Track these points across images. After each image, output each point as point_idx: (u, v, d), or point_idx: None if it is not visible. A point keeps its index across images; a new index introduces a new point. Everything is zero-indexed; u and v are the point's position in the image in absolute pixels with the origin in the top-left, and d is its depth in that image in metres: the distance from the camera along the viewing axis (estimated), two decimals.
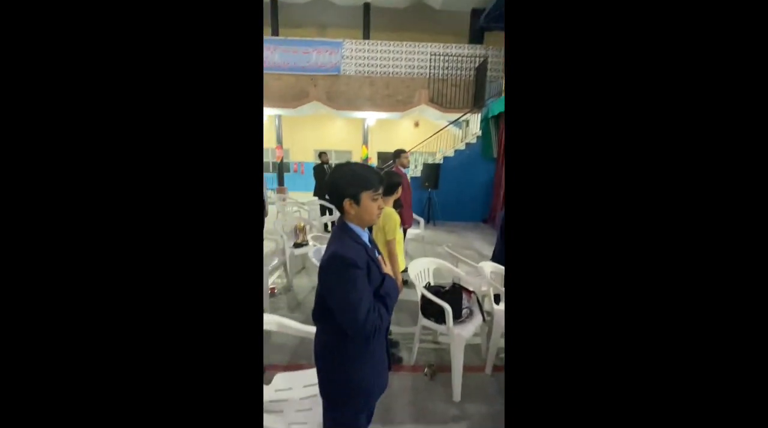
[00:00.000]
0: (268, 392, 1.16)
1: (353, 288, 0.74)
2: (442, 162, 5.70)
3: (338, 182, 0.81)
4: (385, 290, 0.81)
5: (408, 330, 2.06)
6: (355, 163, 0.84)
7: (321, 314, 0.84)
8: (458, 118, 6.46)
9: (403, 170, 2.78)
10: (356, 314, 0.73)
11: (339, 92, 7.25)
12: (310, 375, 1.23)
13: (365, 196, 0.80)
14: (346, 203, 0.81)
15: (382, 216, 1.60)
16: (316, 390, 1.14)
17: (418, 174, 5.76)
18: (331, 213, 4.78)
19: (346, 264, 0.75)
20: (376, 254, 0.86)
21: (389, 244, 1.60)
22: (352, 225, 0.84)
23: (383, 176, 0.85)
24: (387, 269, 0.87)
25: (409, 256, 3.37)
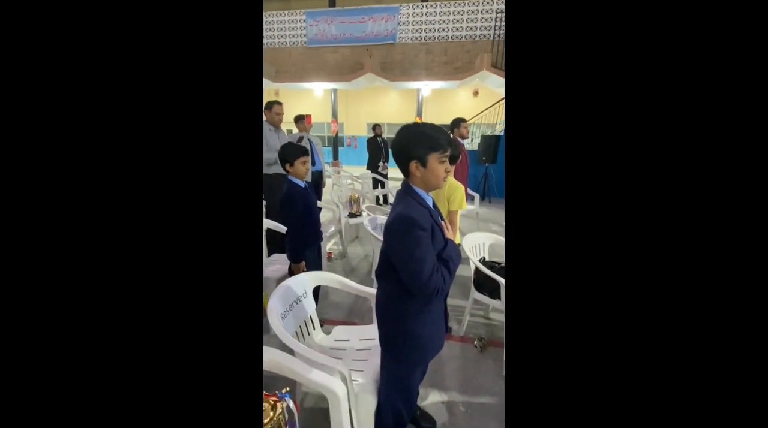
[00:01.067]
0: (329, 341, 1.29)
1: (417, 248, 0.75)
2: (502, 134, 5.26)
3: (405, 143, 0.80)
4: (447, 254, 0.81)
5: (459, 303, 2.06)
6: (423, 124, 0.81)
7: (384, 272, 0.87)
8: None
9: (461, 141, 2.64)
10: (420, 273, 0.74)
11: (394, 62, 7.01)
12: (366, 330, 1.32)
13: (432, 158, 0.79)
14: (413, 165, 0.80)
15: (449, 186, 1.57)
16: (371, 343, 1.23)
17: (475, 147, 5.43)
18: (383, 186, 4.85)
19: (411, 224, 0.76)
20: (440, 219, 0.86)
21: (452, 215, 1.57)
22: (417, 189, 0.84)
23: (451, 139, 0.81)
24: (450, 234, 0.86)
25: (462, 233, 3.28)
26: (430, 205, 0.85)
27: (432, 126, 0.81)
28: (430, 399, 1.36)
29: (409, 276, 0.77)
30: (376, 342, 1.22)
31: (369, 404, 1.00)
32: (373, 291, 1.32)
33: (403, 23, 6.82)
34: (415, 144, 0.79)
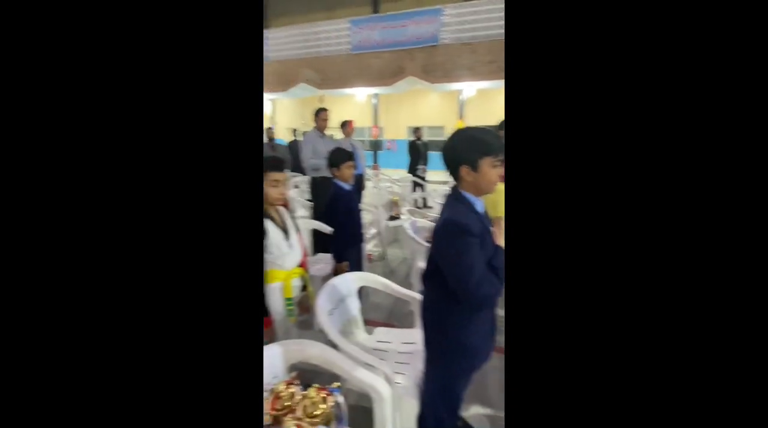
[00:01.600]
0: (371, 341, 1.31)
1: (466, 254, 0.74)
2: None
3: (456, 147, 0.80)
4: (498, 261, 0.79)
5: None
6: (475, 128, 0.80)
7: (431, 276, 0.87)
8: None
9: None
10: (468, 280, 0.73)
11: (436, 64, 6.95)
12: (408, 333, 1.33)
13: (485, 163, 0.77)
14: (463, 170, 0.79)
15: (500, 191, 1.51)
16: (413, 347, 1.23)
17: None
18: (422, 189, 4.82)
19: (460, 230, 0.75)
20: (490, 225, 0.83)
21: (497, 221, 1.52)
22: (467, 194, 0.83)
23: (503, 142, 0.79)
24: (500, 241, 0.83)
25: None
26: (481, 210, 0.84)
27: (484, 130, 0.79)
28: (473, 410, 1.32)
29: (457, 283, 0.76)
30: (419, 346, 1.22)
31: (411, 408, 1.00)
32: (416, 294, 1.32)
33: (446, 24, 6.73)
34: (466, 148, 0.78)
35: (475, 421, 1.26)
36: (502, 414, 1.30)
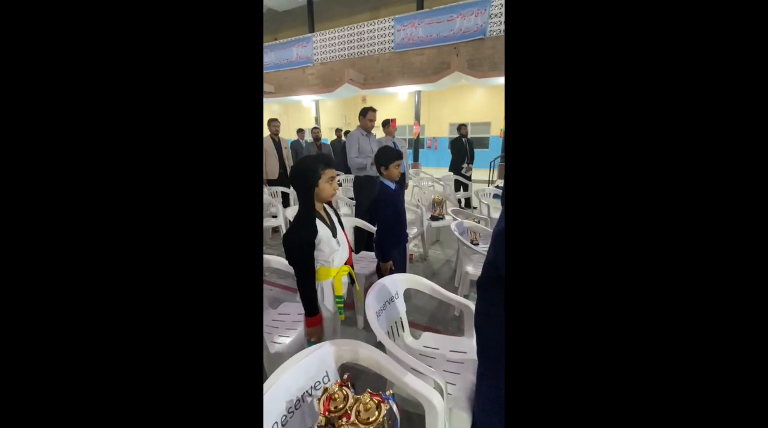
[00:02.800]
0: (418, 345, 1.27)
1: None
2: None
3: None
4: None
5: None
6: None
7: (489, 285, 0.81)
8: None
9: None
10: None
11: (483, 58, 6.65)
12: (457, 341, 1.26)
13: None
14: None
15: None
16: (463, 356, 1.17)
17: None
18: (466, 189, 4.63)
19: None
20: None
21: None
22: None
23: None
24: None
25: None
26: None
27: None
28: None
29: None
30: (469, 355, 1.16)
31: (463, 421, 0.94)
32: (465, 301, 1.25)
33: (495, 15, 6.40)
34: None
35: None
36: None
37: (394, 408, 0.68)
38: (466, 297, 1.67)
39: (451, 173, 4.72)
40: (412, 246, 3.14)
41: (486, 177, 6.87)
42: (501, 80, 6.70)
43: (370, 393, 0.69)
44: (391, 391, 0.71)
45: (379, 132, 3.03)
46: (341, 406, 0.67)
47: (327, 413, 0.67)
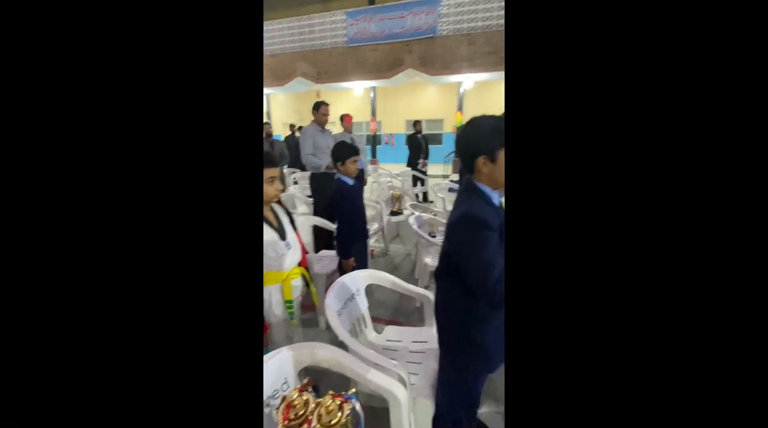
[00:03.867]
0: (381, 340, 1.28)
1: (485, 249, 0.70)
2: None
3: (473, 137, 0.75)
4: None
5: None
6: (492, 116, 0.75)
7: (445, 273, 0.83)
8: None
9: None
10: (487, 276, 0.69)
11: (434, 56, 6.85)
12: (419, 332, 1.29)
13: (503, 153, 0.72)
14: (480, 161, 0.75)
15: None
16: (424, 346, 1.20)
17: None
18: (422, 183, 4.77)
19: (477, 224, 0.71)
20: None
21: None
22: (482, 186, 0.78)
23: None
24: None
25: None
26: (497, 203, 0.79)
27: (502, 118, 0.74)
28: (486, 408, 1.29)
29: (475, 280, 0.72)
30: (430, 344, 1.19)
31: (426, 409, 0.97)
32: (425, 292, 1.28)
33: (444, 15, 6.62)
34: (483, 138, 0.73)
35: (489, 419, 1.23)
36: None
37: (357, 406, 0.67)
38: (426, 288, 1.72)
39: (409, 169, 4.81)
40: (373, 242, 3.14)
41: (441, 172, 7.13)
42: (453, 78, 6.98)
43: (332, 394, 0.67)
44: (354, 390, 0.70)
45: (336, 127, 2.96)
46: (302, 413, 0.64)
47: (286, 422, 0.64)
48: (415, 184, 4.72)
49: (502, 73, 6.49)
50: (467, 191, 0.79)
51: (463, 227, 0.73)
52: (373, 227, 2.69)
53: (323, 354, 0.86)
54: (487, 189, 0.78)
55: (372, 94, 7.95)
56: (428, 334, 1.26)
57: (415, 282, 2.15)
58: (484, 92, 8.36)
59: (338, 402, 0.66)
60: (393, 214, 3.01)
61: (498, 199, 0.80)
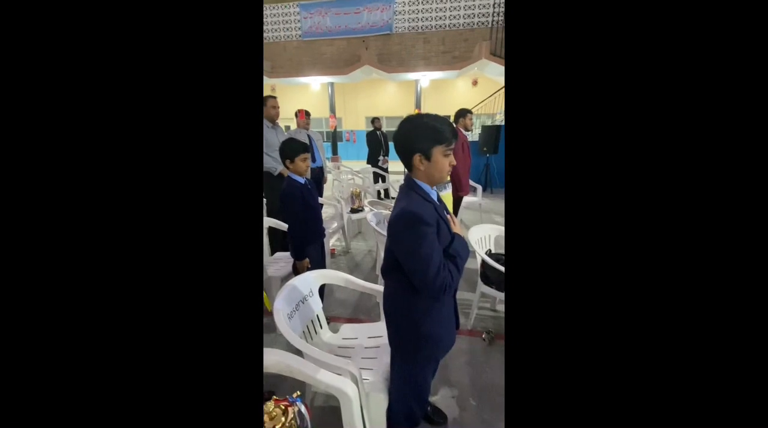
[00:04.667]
0: (337, 339, 1.27)
1: (423, 244, 0.72)
2: (502, 124, 5.19)
3: (408, 135, 0.77)
4: (455, 249, 0.79)
5: (466, 297, 2.04)
6: (427, 115, 0.78)
7: (390, 269, 0.85)
8: None
9: (464, 133, 2.59)
10: (426, 270, 0.72)
11: (391, 53, 6.89)
12: (374, 327, 1.31)
13: (437, 151, 0.75)
14: (416, 158, 0.77)
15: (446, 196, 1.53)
16: (379, 341, 1.22)
17: (476, 138, 5.37)
18: (384, 180, 4.81)
19: (415, 220, 0.73)
20: (446, 213, 0.83)
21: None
22: (420, 183, 0.81)
23: (455, 130, 0.78)
24: (457, 229, 0.83)
25: (465, 225, 3.27)
26: (435, 199, 0.82)
27: (436, 117, 0.77)
28: (441, 394, 1.35)
29: (416, 274, 0.75)
30: (385, 340, 1.21)
31: (380, 403, 0.99)
32: (380, 288, 1.30)
33: (399, 12, 6.68)
34: (418, 136, 0.76)
35: (443, 404, 1.29)
36: (469, 396, 1.35)
37: (302, 409, 0.66)
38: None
39: (369, 166, 4.81)
40: (335, 241, 3.11)
41: (402, 168, 7.24)
42: (410, 76, 7.09)
43: (275, 399, 0.66)
44: (298, 392, 0.69)
45: (293, 123, 2.84)
46: None
47: None
48: (376, 181, 4.74)
49: (456, 72, 6.75)
50: (406, 188, 0.82)
51: (402, 224, 0.75)
52: (332, 226, 2.66)
53: (271, 360, 0.84)
54: (425, 185, 0.81)
55: (330, 90, 7.79)
56: (383, 329, 1.28)
57: (375, 279, 2.17)
58: (439, 90, 8.62)
59: (283, 407, 0.65)
60: (353, 211, 2.99)
61: (435, 194, 0.83)
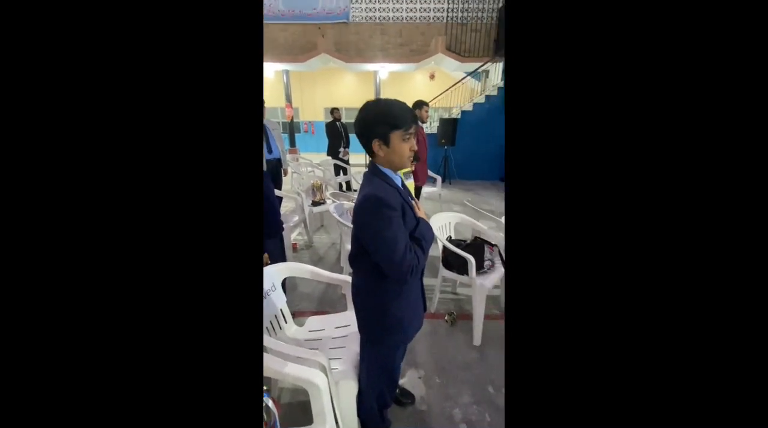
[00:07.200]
0: (303, 332, 1.24)
1: (388, 228, 0.73)
2: (459, 117, 5.40)
3: (366, 121, 0.76)
4: (420, 232, 0.81)
5: (428, 282, 2.12)
6: (385, 100, 0.78)
7: (357, 257, 0.85)
8: (478, 68, 5.98)
9: (420, 124, 2.65)
10: (393, 253, 0.73)
11: (348, 42, 6.74)
12: (340, 317, 1.30)
13: (395, 136, 0.76)
14: (375, 144, 0.77)
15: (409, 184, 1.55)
16: (347, 330, 1.21)
17: (434, 130, 5.52)
18: (345, 172, 4.74)
19: (379, 204, 0.74)
20: (410, 198, 0.84)
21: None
22: (383, 168, 0.81)
23: (415, 114, 0.79)
24: (421, 213, 0.85)
25: (427, 214, 3.36)
26: (399, 184, 0.84)
27: (394, 102, 0.77)
28: (408, 376, 1.40)
29: (382, 258, 0.76)
30: (353, 328, 1.21)
31: (350, 390, 0.99)
32: (346, 277, 1.29)
33: (356, 2, 6.53)
34: (376, 122, 0.75)
35: (410, 385, 1.34)
36: (434, 374, 1.42)
37: (270, 403, 0.64)
38: (350, 274, 1.74)
39: (330, 158, 4.71)
40: (296, 235, 3.01)
41: (364, 160, 7.22)
42: (368, 66, 7.01)
43: None
44: (266, 387, 0.67)
45: None
46: None
47: None
48: (337, 174, 4.66)
49: (414, 65, 6.83)
50: (370, 174, 0.82)
51: (366, 209, 0.75)
52: (293, 219, 2.56)
53: None
54: (388, 171, 0.81)
55: (285, 78, 7.41)
56: (351, 318, 1.28)
57: (340, 271, 2.15)
58: (397, 82, 8.67)
59: None
60: (315, 204, 2.91)
61: (399, 179, 0.84)
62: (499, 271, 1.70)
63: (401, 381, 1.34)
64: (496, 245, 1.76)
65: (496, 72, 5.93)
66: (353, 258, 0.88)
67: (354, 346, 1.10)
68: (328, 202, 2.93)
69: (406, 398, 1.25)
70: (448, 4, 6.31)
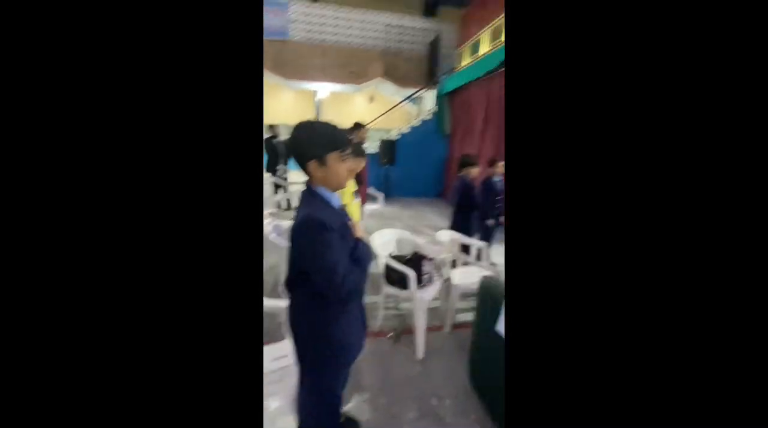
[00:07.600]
0: None
1: (328, 250, 0.72)
2: (398, 138, 5.71)
3: (301, 142, 0.76)
4: (359, 253, 0.81)
5: (371, 300, 2.12)
6: (317, 121, 0.78)
7: (295, 280, 0.81)
8: (413, 94, 6.47)
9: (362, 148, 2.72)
10: (333, 275, 0.72)
11: (287, 60, 6.67)
12: (277, 348, 1.21)
13: (332, 158, 0.77)
14: (311, 165, 0.77)
15: (355, 205, 1.57)
16: (284, 362, 1.13)
17: (373, 150, 5.72)
18: (285, 190, 4.54)
19: (318, 226, 0.73)
20: (347, 219, 0.85)
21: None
22: (320, 190, 0.81)
23: (348, 136, 0.81)
24: (359, 233, 0.86)
25: (369, 232, 3.40)
26: (337, 204, 0.84)
27: (327, 124, 0.78)
28: (354, 401, 1.35)
29: (322, 281, 0.74)
30: (291, 359, 1.13)
31: (290, 424, 0.91)
32: (282, 304, 1.21)
33: (295, 21, 6.57)
34: (312, 143, 0.75)
35: (356, 410, 1.29)
36: (380, 395, 1.39)
37: None
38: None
39: (268, 175, 4.48)
40: None
41: (303, 178, 7.02)
42: (308, 85, 7.01)
43: None
44: None
45: None
46: None
47: None
48: (276, 192, 4.44)
49: (354, 87, 7.07)
50: (307, 195, 0.80)
51: (305, 231, 0.73)
52: None
53: None
54: (324, 191, 0.81)
55: None
56: (287, 349, 1.19)
57: (279, 297, 2.00)
58: (338, 103, 8.83)
59: None
60: None
61: (337, 200, 0.85)
62: (437, 284, 1.79)
63: (346, 407, 1.28)
64: (433, 258, 1.86)
65: (430, 98, 6.49)
66: (291, 282, 0.84)
67: (291, 380, 1.03)
68: (266, 222, 2.75)
69: (351, 426, 1.19)
70: (385, 34, 6.77)
